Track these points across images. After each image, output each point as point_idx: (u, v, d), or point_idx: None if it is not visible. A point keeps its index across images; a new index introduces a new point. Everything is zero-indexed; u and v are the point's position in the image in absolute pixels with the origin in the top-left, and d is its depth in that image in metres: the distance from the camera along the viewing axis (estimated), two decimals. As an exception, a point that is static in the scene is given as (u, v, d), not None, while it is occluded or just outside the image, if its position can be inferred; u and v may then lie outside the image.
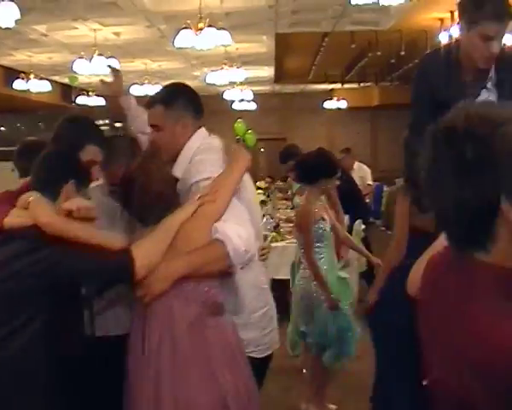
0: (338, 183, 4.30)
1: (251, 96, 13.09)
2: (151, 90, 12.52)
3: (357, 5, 5.55)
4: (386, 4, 5.19)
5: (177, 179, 2.24)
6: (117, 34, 9.48)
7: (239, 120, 11.47)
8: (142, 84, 12.23)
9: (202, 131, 2.43)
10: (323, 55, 10.81)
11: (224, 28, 7.25)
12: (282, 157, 6.20)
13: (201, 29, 7.01)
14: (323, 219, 4.14)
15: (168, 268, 2.05)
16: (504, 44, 2.72)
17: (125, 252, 2.00)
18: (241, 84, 13.11)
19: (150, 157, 2.26)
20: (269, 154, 16.39)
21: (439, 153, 1.21)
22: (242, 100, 13.27)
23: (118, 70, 3.08)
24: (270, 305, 2.56)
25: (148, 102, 2.50)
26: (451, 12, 7.94)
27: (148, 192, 2.13)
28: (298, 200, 5.59)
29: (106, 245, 2.02)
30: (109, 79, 3.11)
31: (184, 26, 7.10)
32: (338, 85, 14.85)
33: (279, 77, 13.33)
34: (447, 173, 1.18)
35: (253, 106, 14.70)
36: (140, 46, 10.07)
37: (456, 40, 2.69)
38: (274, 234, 6.28)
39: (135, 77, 12.14)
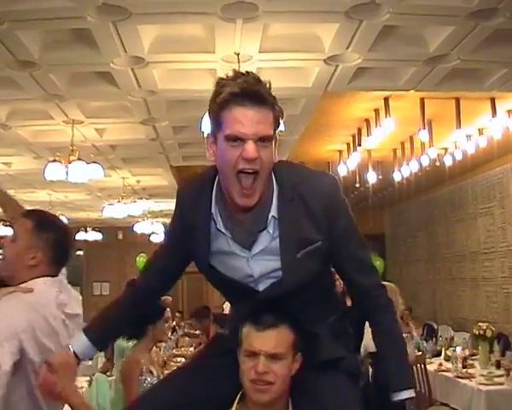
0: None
1: (161, 229, 12.66)
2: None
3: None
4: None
5: None
6: (7, 164, 9.08)
7: (141, 254, 11.00)
8: (48, 215, 11.75)
9: None
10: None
11: (95, 161, 6.95)
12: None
13: (71, 162, 6.69)
14: (151, 373, 3.62)
15: None
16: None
17: None
18: (155, 216, 12.78)
19: None
20: (189, 287, 15.85)
21: None
22: (153, 232, 12.82)
23: None
24: None
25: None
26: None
27: None
28: None
29: None
30: None
31: (53, 158, 6.76)
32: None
33: (193, 210, 12.95)
34: None
35: (170, 239, 14.21)
36: (33, 177, 9.59)
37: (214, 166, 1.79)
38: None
39: (41, 208, 11.64)
